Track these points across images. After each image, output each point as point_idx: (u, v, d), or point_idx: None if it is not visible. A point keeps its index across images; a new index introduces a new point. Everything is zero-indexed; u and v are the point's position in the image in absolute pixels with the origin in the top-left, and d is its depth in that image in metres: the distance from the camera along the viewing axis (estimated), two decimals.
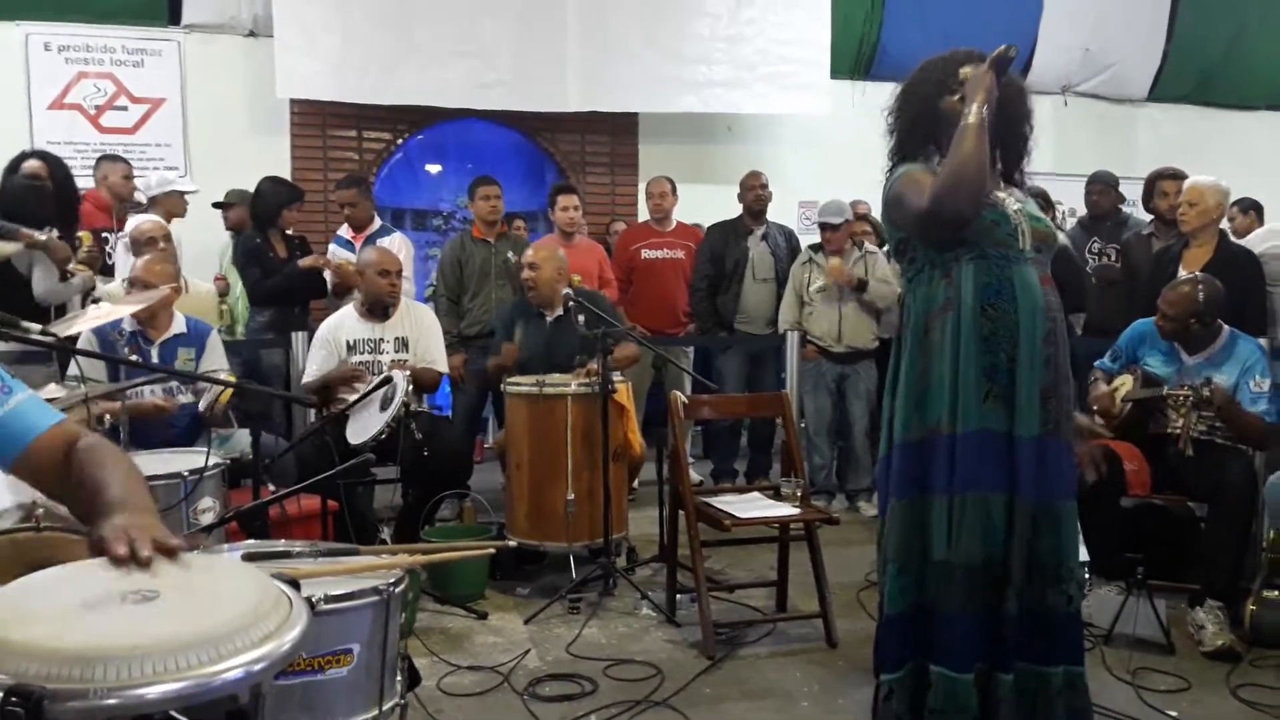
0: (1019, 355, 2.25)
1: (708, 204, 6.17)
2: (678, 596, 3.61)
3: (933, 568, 2.30)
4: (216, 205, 5.63)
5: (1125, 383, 3.62)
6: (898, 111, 2.47)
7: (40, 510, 1.56)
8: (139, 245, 4.28)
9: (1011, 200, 2.37)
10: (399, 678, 1.75)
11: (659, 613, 3.59)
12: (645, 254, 5.73)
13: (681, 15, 6.88)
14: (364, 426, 3.84)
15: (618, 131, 7.24)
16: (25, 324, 1.99)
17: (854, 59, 7.53)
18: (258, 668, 1.06)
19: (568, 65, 6.65)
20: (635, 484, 4.93)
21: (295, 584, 1.25)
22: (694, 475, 4.92)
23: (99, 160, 5.21)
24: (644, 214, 6.48)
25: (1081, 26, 7.82)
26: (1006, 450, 2.25)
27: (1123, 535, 3.49)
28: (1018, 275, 2.28)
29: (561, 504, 3.79)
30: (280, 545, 1.72)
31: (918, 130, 2.43)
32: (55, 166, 4.54)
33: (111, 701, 0.99)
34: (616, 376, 3.95)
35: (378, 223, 5.40)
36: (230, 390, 3.54)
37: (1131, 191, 5.87)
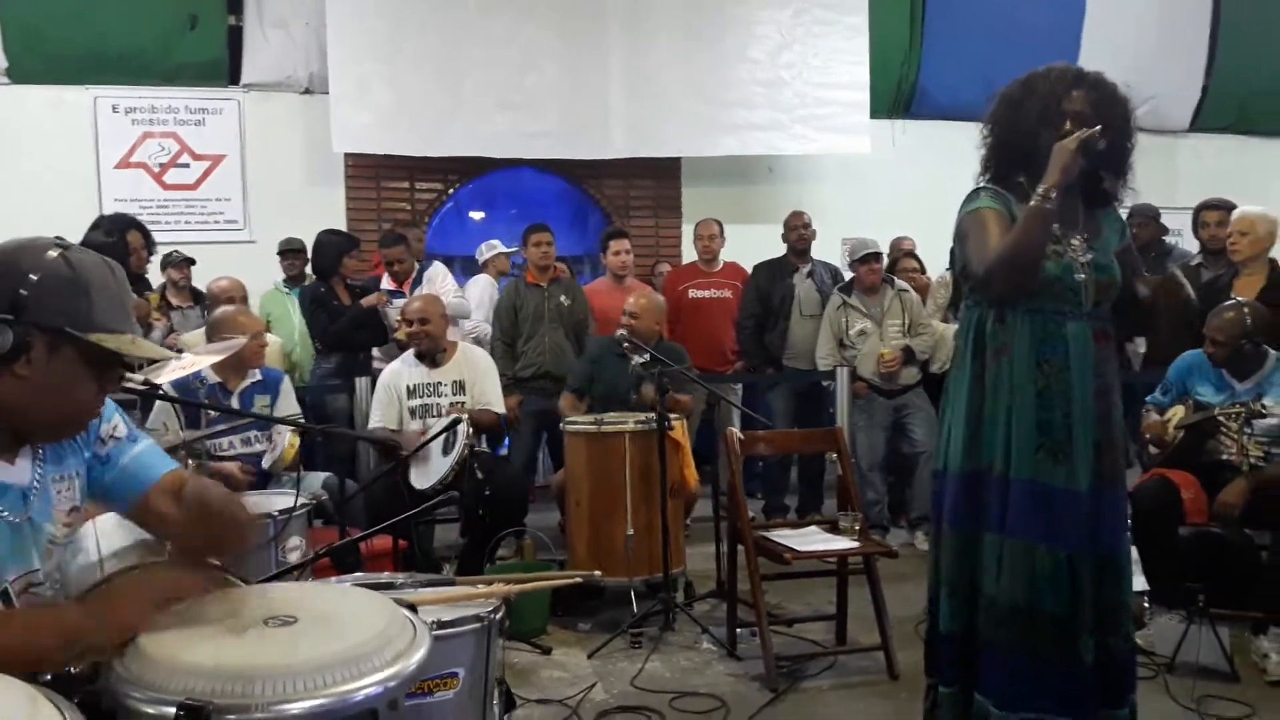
0: (1073, 413, 2.29)
1: (750, 244, 6.28)
2: (738, 630, 3.67)
3: (983, 599, 2.35)
4: (282, 253, 5.86)
5: (1178, 413, 3.65)
6: (992, 125, 2.45)
7: (169, 546, 1.67)
8: (216, 301, 4.48)
9: (1080, 250, 2.34)
10: (497, 702, 1.85)
11: (720, 646, 3.64)
12: (693, 294, 5.85)
13: (722, 62, 7.04)
14: (428, 470, 3.97)
15: (661, 175, 7.40)
16: (128, 376, 2.12)
17: (893, 99, 7.65)
18: (393, 684, 1.17)
19: (611, 113, 6.83)
20: (689, 519, 4.99)
21: (414, 609, 1.35)
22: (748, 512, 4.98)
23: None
24: (688, 255, 6.60)
25: (1121, 60, 7.82)
26: (1054, 504, 2.29)
27: (1182, 564, 3.50)
28: (1072, 333, 2.31)
29: (621, 539, 3.88)
30: (385, 578, 1.84)
31: (1006, 152, 2.42)
32: (148, 235, 4.78)
33: (265, 715, 1.10)
34: (671, 414, 4.05)
35: (416, 266, 5.63)
36: (298, 443, 3.71)
37: (1174, 222, 5.90)
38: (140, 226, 4.92)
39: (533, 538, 4.43)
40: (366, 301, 5.29)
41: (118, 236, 4.55)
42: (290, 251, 5.86)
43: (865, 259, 5.24)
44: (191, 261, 5.64)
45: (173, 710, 1.05)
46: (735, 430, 3.74)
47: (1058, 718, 2.29)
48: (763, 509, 5.77)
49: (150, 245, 4.77)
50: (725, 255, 6.11)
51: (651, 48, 6.87)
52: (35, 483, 1.44)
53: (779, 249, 5.75)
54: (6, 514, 1.38)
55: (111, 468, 1.57)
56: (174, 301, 5.41)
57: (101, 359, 1.37)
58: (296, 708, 1.11)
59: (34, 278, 1.31)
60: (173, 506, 1.58)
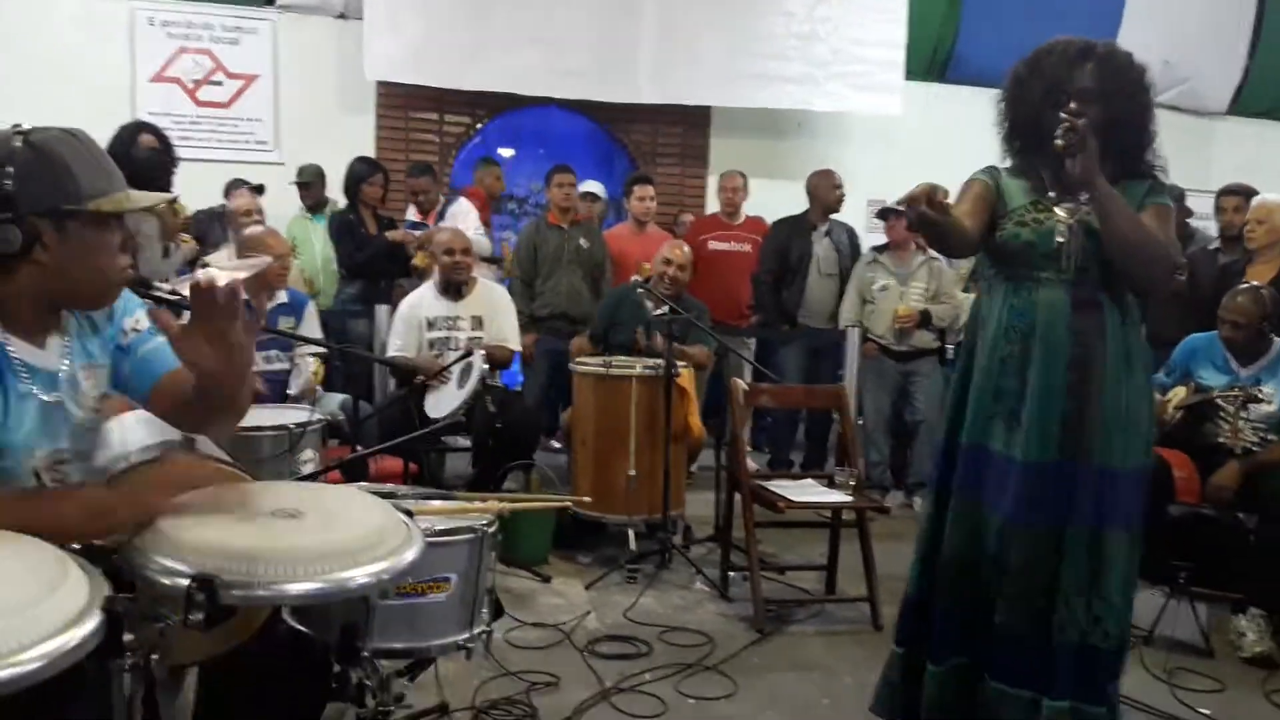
0: (1031, 381, 2.23)
1: (776, 199, 6.29)
2: (730, 574, 3.77)
3: (939, 560, 2.38)
4: (294, 184, 5.91)
5: (1179, 393, 3.69)
6: (1003, 105, 2.40)
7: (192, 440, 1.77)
8: (237, 219, 4.55)
9: (1069, 213, 2.25)
10: (485, 610, 1.96)
11: (712, 587, 3.75)
12: (712, 245, 5.88)
13: (757, 11, 6.98)
14: (442, 401, 4.07)
15: (689, 124, 7.38)
16: (158, 285, 2.21)
17: (929, 61, 7.57)
18: (385, 576, 1.27)
19: (641, 58, 6.80)
20: (694, 467, 5.10)
21: (409, 514, 1.44)
22: (750, 464, 5.08)
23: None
24: (712, 207, 6.62)
25: (1162, 37, 7.73)
26: (990, 467, 2.28)
27: (1169, 541, 3.56)
28: (1042, 299, 2.25)
29: (623, 479, 3.98)
30: (388, 488, 1.94)
31: (1019, 134, 2.38)
32: (163, 139, 4.83)
33: (266, 593, 1.21)
34: (679, 362, 4.13)
35: (442, 198, 5.69)
36: (322, 371, 3.81)
37: (1205, 206, 5.87)
38: (151, 128, 4.95)
39: (539, 473, 4.54)
40: (392, 235, 5.39)
41: (126, 141, 4.61)
42: (304, 184, 5.89)
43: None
44: (261, 190, 5.64)
45: (185, 581, 1.14)
46: (740, 381, 3.81)
47: (982, 672, 2.30)
48: (768, 463, 5.86)
49: (167, 148, 4.80)
50: (749, 209, 6.13)
51: None
52: (64, 367, 1.53)
53: (803, 205, 5.76)
54: (38, 393, 1.47)
55: (131, 357, 1.65)
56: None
57: (106, 220, 1.46)
58: (295, 588, 1.21)
59: (10, 169, 1.39)
60: (182, 393, 1.62)
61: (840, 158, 6.91)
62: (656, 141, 7.41)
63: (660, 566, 3.91)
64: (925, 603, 2.43)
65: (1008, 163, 2.43)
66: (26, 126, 1.44)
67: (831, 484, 3.71)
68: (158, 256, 4.52)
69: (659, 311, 4.24)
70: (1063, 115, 2.13)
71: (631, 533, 4.08)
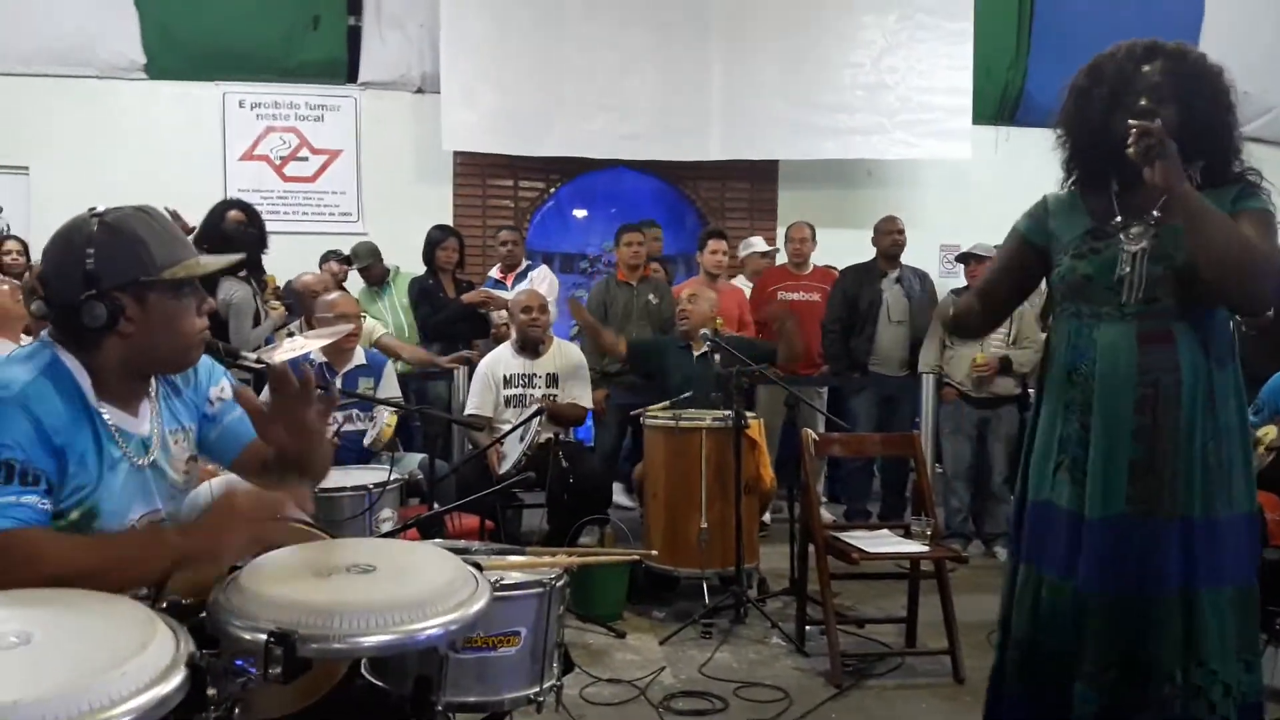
0: (1093, 426, 2.01)
1: (847, 248, 6.31)
2: (806, 628, 3.73)
3: (1010, 642, 2.19)
4: (346, 260, 6.05)
5: (1270, 432, 3.57)
6: (1064, 122, 2.19)
7: None
8: (304, 298, 4.79)
9: (1134, 239, 2.02)
10: (556, 664, 2.00)
11: (788, 642, 3.72)
12: (782, 295, 5.91)
13: (824, 65, 7.06)
14: (509, 457, 4.19)
15: (757, 178, 7.46)
16: (244, 354, 2.34)
17: (998, 104, 7.54)
18: (454, 628, 1.32)
19: (710, 116, 6.92)
20: (767, 518, 5.08)
21: (479, 568, 1.49)
22: (826, 515, 5.04)
23: None
24: (781, 258, 6.65)
25: (1241, 69, 7.56)
26: (1060, 527, 2.05)
27: (1265, 588, 3.41)
28: (1102, 336, 2.04)
29: (695, 532, 3.99)
30: (461, 544, 2.00)
31: (1084, 151, 2.15)
32: (252, 215, 5.09)
33: (341, 646, 1.27)
34: (749, 413, 4.15)
35: (525, 262, 5.88)
36: (395, 423, 3.95)
37: None
38: (239, 204, 5.21)
39: (613, 527, 4.58)
40: (467, 298, 5.59)
41: (216, 218, 4.88)
42: (363, 267, 5.98)
43: (963, 258, 5.29)
44: (350, 260, 5.93)
45: (264, 636, 1.21)
46: (810, 430, 3.81)
47: None
48: (844, 514, 5.80)
49: (255, 221, 5.05)
50: (820, 259, 6.16)
51: (752, 51, 6.93)
52: (154, 433, 1.64)
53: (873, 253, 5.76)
54: (133, 457, 1.58)
55: (216, 426, 1.77)
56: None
57: (181, 287, 1.57)
58: (369, 641, 1.27)
59: (91, 250, 1.50)
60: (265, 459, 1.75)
61: (912, 203, 6.91)
62: (725, 196, 7.51)
63: (735, 621, 3.89)
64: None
65: (1067, 189, 2.21)
66: (101, 209, 1.57)
67: (908, 534, 3.66)
68: (248, 325, 4.75)
69: (700, 352, 4.29)
70: (1131, 121, 1.88)
71: (705, 586, 4.08)
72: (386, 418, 3.94)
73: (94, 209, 1.57)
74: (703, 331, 4.52)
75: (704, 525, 3.98)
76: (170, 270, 1.54)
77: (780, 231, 6.67)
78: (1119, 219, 2.06)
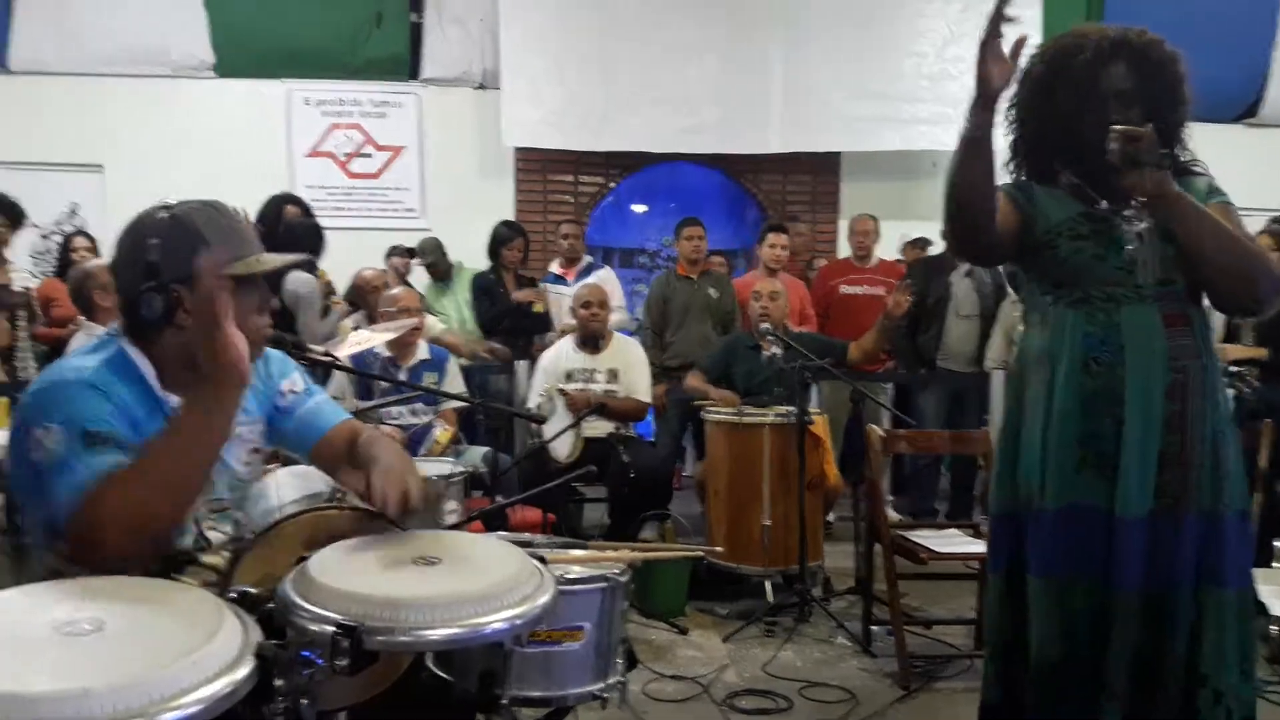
0: (1127, 417, 1.88)
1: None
2: (873, 628, 3.66)
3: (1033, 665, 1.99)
4: (409, 253, 6.13)
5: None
6: (1019, 111, 2.10)
7: (340, 494, 1.87)
8: (363, 293, 4.84)
9: (1135, 217, 1.93)
10: (620, 659, 1.97)
11: (854, 642, 3.65)
12: (844, 289, 5.82)
13: (887, 55, 6.95)
14: (559, 442, 4.19)
15: (819, 170, 7.36)
16: (311, 347, 2.36)
17: None
18: (519, 622, 1.29)
19: (771, 109, 6.85)
20: (832, 517, 5.00)
21: (543, 561, 1.47)
22: (892, 514, 4.94)
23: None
24: (844, 252, 6.56)
25: None
26: (1104, 530, 1.89)
27: None
28: (1127, 319, 1.91)
29: (758, 529, 3.93)
30: (525, 537, 1.99)
31: (1042, 144, 2.07)
32: (305, 209, 5.17)
33: (407, 639, 1.25)
34: (813, 408, 4.08)
35: (586, 259, 5.91)
36: (450, 436, 3.97)
37: None
38: (295, 199, 5.27)
39: (674, 522, 4.55)
40: (516, 296, 5.60)
41: (273, 212, 4.94)
42: (429, 263, 6.04)
43: None
44: (413, 253, 5.99)
45: (331, 628, 1.20)
46: (876, 427, 3.73)
47: None
48: (911, 513, 5.69)
49: (310, 217, 5.10)
50: (885, 253, 6.04)
51: (814, 42, 6.84)
52: None
53: (939, 246, 5.64)
54: None
55: (291, 418, 1.79)
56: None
57: (240, 284, 1.55)
58: (434, 634, 1.25)
59: (154, 242, 1.51)
60: (346, 450, 1.77)
61: None
62: (786, 190, 7.42)
63: (799, 619, 3.83)
64: (1009, 711, 2.05)
65: (1013, 176, 2.11)
66: (173, 201, 1.57)
67: (977, 534, 3.57)
68: (316, 318, 4.82)
69: (768, 354, 4.22)
70: (1116, 129, 1.82)
71: (769, 584, 4.02)
72: (438, 433, 3.96)
73: (165, 201, 1.58)
74: (763, 326, 4.44)
75: (766, 522, 3.92)
76: (230, 266, 1.54)
77: (844, 225, 6.56)
78: (1104, 204, 1.98)
